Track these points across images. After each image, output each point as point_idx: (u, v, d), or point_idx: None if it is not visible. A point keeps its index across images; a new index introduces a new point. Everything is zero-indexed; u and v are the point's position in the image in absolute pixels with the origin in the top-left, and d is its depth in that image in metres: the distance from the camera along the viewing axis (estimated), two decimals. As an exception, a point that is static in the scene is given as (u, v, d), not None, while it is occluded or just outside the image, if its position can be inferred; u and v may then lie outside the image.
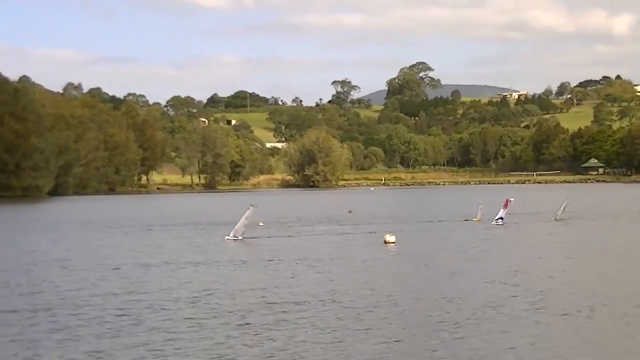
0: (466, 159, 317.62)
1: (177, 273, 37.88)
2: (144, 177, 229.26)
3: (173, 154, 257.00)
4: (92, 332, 23.77)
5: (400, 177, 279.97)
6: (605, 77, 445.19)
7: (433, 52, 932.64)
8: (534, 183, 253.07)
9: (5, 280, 35.70)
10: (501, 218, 67.44)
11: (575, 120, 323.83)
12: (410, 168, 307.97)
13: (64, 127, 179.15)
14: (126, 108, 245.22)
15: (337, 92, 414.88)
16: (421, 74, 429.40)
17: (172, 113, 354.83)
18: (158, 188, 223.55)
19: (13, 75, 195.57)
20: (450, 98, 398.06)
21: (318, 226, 69.40)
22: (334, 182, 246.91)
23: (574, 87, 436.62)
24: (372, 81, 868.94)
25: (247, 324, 24.82)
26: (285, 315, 26.20)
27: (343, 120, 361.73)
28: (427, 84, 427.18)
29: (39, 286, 33.63)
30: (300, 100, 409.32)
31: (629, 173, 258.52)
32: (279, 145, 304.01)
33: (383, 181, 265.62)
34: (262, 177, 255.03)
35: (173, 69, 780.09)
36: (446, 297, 29.30)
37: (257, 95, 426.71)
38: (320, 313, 26.49)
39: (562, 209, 72.78)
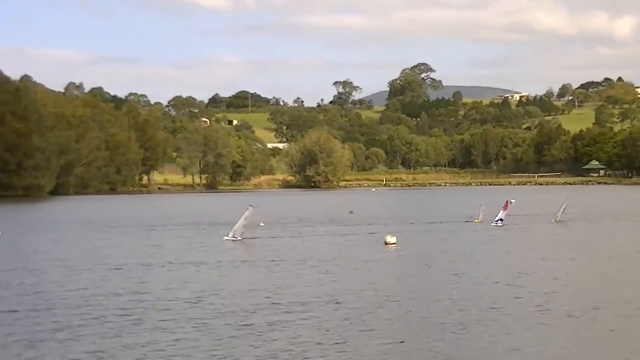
0: (467, 160, 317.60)
1: (179, 273, 37.86)
2: (145, 177, 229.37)
3: (174, 154, 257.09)
4: (95, 332, 23.75)
5: (401, 178, 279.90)
6: (606, 79, 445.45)
7: (435, 53, 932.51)
8: (535, 184, 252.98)
9: (8, 280, 35.67)
10: (501, 219, 67.38)
11: (577, 122, 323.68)
12: (412, 169, 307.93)
13: (65, 126, 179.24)
14: (127, 108, 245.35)
15: (338, 92, 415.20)
16: (423, 75, 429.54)
17: (174, 113, 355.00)
18: (159, 188, 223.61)
19: (14, 74, 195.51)
20: (452, 99, 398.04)
21: (319, 227, 69.36)
22: (335, 183, 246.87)
23: (576, 89, 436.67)
24: (373, 82, 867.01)
25: (250, 324, 24.77)
26: (288, 315, 26.16)
27: (344, 121, 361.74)
28: (429, 85, 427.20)
29: (41, 286, 33.59)
30: (302, 101, 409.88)
31: (630, 175, 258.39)
32: (280, 145, 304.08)
33: (384, 182, 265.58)
34: (263, 178, 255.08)
35: (174, 69, 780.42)
36: (449, 299, 29.26)
37: (259, 95, 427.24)
38: (323, 314, 26.45)
39: (561, 210, 72.72)
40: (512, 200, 70.90)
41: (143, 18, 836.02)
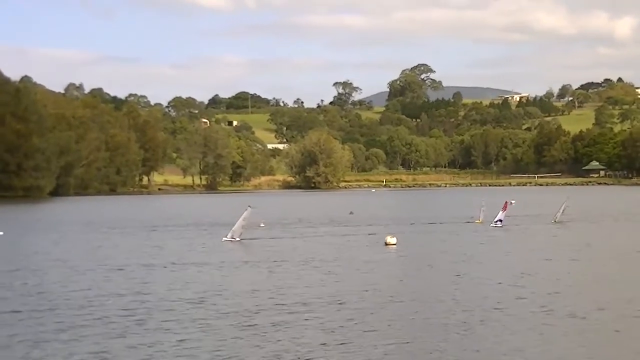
0: (467, 161, 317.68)
1: (181, 274, 37.88)
2: (145, 178, 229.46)
3: (174, 154, 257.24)
4: (98, 333, 23.76)
5: (401, 179, 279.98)
6: (607, 80, 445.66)
7: (434, 54, 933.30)
8: (535, 185, 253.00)
9: (10, 281, 35.69)
10: (500, 220, 67.37)
11: (577, 122, 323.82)
12: (412, 170, 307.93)
13: (65, 127, 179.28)
14: (127, 109, 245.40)
15: (338, 93, 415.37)
16: (423, 76, 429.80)
17: (174, 114, 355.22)
18: (159, 189, 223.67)
19: (14, 75, 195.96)
20: (452, 100, 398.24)
21: (319, 227, 69.38)
22: (335, 184, 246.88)
23: (576, 89, 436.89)
24: (373, 83, 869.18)
25: (254, 325, 24.79)
26: (292, 316, 26.17)
27: (344, 122, 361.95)
28: (429, 85, 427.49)
29: (44, 287, 33.60)
30: (302, 102, 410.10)
31: (630, 176, 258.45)
32: (280, 146, 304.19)
33: (384, 183, 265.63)
34: (263, 178, 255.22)
35: (174, 70, 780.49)
36: (452, 299, 29.29)
37: (259, 96, 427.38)
38: (327, 314, 26.48)
39: (561, 211, 72.71)
40: (512, 201, 70.90)
41: (143, 18, 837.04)
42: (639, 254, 45.50)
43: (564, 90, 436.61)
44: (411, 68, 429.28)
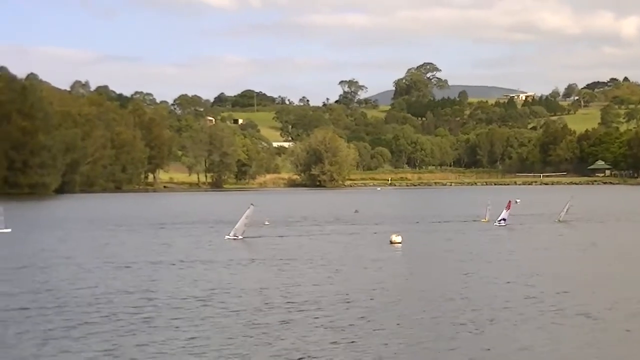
0: (473, 160, 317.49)
1: (188, 271, 37.91)
2: (150, 176, 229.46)
3: (180, 152, 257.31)
4: (107, 330, 23.77)
5: (406, 178, 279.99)
6: (612, 79, 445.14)
7: (440, 53, 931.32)
8: (540, 184, 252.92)
9: (19, 277, 35.75)
10: (504, 219, 67.31)
11: (583, 122, 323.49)
12: (417, 168, 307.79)
13: (71, 124, 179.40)
14: (133, 106, 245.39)
15: (344, 92, 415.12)
16: (428, 75, 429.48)
17: (179, 112, 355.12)
18: (165, 186, 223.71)
19: (21, 73, 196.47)
20: (457, 99, 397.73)
21: (325, 226, 69.38)
22: (340, 182, 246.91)
23: (582, 88, 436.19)
24: (379, 81, 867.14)
25: (263, 323, 24.78)
26: (300, 314, 26.17)
27: (350, 120, 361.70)
28: (434, 84, 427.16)
29: (52, 284, 33.65)
30: (307, 100, 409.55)
31: (635, 175, 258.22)
32: (286, 144, 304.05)
33: (390, 181, 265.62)
34: (268, 177, 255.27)
35: (180, 68, 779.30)
36: (461, 298, 29.28)
37: (264, 94, 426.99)
38: (335, 312, 26.47)
39: (565, 210, 72.64)
40: (517, 200, 70.97)
41: (149, 17, 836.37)
42: (646, 254, 45.46)
43: (570, 90, 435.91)
44: (417, 67, 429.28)
